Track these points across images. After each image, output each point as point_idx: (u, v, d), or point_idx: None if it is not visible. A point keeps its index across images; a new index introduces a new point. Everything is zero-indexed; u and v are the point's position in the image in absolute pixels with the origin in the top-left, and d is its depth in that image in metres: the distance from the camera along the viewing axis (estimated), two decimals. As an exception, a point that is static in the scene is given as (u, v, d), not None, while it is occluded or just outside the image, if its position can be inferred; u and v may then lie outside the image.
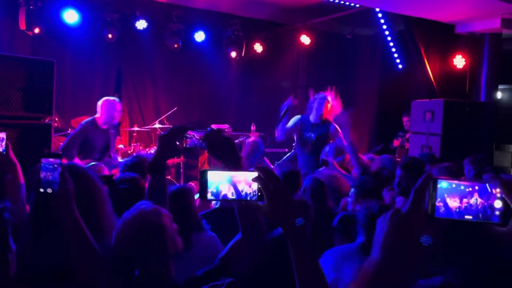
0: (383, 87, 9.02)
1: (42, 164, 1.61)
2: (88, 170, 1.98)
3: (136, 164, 3.18)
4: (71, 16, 7.09)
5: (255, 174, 1.22)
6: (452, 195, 0.90)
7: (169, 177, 7.36)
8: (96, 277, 1.65)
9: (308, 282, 1.19)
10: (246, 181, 1.25)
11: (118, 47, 8.09)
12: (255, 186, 1.24)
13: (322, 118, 5.14)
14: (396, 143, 7.65)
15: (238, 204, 1.58)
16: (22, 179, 2.18)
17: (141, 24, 7.67)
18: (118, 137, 5.99)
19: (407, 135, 7.32)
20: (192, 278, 1.75)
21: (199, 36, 8.44)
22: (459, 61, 7.90)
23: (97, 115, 5.20)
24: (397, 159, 4.84)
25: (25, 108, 3.92)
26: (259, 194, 1.23)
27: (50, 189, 1.60)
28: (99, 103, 5.21)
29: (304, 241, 1.18)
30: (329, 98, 5.16)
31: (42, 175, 1.60)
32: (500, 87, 8.08)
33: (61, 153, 1.62)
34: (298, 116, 5.30)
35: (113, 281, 1.68)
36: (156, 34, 8.17)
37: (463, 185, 0.90)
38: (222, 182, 1.25)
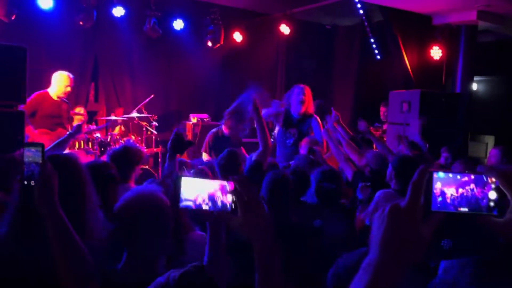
0: (361, 77, 9.07)
1: (25, 155, 1.44)
2: (76, 160, 1.86)
3: (121, 154, 3.11)
4: (45, 1, 6.89)
5: (230, 184, 1.20)
6: (448, 187, 0.88)
7: (147, 166, 7.30)
8: (83, 284, 1.51)
9: None
10: (222, 190, 1.21)
11: (95, 35, 7.94)
12: (230, 196, 1.21)
13: (301, 113, 5.13)
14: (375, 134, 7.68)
15: (212, 215, 1.48)
16: None
17: (118, 11, 7.52)
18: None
19: (384, 126, 7.37)
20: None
21: (178, 24, 8.32)
22: (436, 53, 7.99)
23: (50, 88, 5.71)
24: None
25: (-4, 95, 3.85)
26: (233, 206, 1.19)
27: (33, 182, 1.44)
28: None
29: (270, 261, 1.15)
30: (306, 91, 5.11)
31: (25, 166, 1.44)
32: (475, 78, 8.22)
33: (43, 143, 1.48)
34: (282, 108, 5.23)
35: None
36: (133, 22, 8.01)
37: (459, 176, 0.89)
38: (196, 190, 1.21)
